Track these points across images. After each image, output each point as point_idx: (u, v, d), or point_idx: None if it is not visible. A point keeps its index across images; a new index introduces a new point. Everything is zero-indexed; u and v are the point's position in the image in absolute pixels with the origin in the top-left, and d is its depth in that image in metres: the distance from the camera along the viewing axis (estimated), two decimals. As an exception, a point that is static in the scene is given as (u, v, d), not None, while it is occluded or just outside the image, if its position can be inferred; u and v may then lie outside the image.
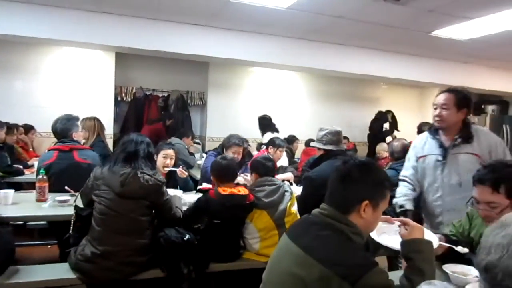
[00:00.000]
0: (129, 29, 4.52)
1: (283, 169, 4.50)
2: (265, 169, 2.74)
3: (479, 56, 5.81)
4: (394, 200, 2.51)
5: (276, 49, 5.22)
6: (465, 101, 2.39)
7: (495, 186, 1.61)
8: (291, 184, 3.97)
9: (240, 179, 3.63)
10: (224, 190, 2.47)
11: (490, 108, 7.65)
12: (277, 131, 5.85)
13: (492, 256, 0.76)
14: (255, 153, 4.80)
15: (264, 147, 4.61)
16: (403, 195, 2.51)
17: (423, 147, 2.54)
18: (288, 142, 6.40)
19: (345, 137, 6.86)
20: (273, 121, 5.88)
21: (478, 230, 1.87)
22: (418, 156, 2.54)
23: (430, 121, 6.20)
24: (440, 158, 2.42)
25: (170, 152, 3.25)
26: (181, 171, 3.34)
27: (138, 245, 2.24)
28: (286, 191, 2.64)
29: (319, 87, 7.42)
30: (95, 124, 3.68)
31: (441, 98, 2.43)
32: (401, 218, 1.52)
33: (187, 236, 2.35)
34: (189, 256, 2.39)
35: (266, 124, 5.92)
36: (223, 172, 2.59)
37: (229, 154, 3.70)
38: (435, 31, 4.50)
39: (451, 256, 1.73)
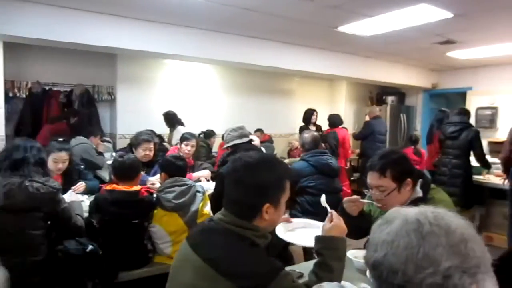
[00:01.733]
0: (20, 16, 3.98)
1: (198, 166, 4.39)
2: (175, 168, 2.62)
3: (379, 51, 6.24)
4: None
5: (189, 41, 5.04)
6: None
7: (382, 171, 1.75)
8: (208, 181, 3.89)
9: (152, 178, 3.45)
10: (110, 186, 2.39)
11: (390, 99, 8.34)
12: (183, 125, 5.79)
13: (378, 254, 0.74)
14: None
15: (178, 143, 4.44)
16: None
17: None
18: (206, 136, 6.31)
19: (260, 129, 6.98)
20: (187, 115, 5.74)
21: (378, 214, 2.00)
22: None
23: (340, 112, 6.52)
24: None
25: (62, 155, 2.90)
26: (76, 189, 3.02)
27: (30, 264, 1.98)
28: (198, 191, 2.55)
29: (234, 80, 7.39)
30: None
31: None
32: (332, 213, 1.50)
33: (90, 246, 2.14)
34: (94, 269, 2.19)
35: (171, 119, 5.80)
36: (121, 171, 2.45)
37: (140, 152, 3.49)
38: (340, 26, 4.71)
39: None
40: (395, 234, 0.74)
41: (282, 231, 1.68)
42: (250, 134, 4.88)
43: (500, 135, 6.53)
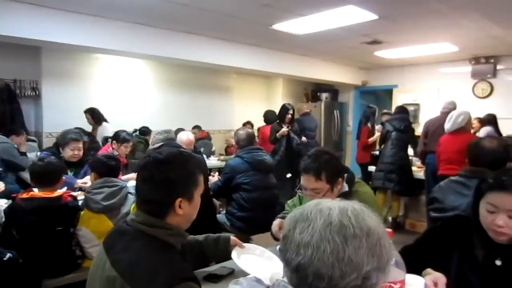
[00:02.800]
0: None
1: (132, 164, 4.25)
2: (107, 169, 2.51)
3: (313, 50, 6.46)
4: None
5: (120, 35, 4.83)
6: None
7: (317, 174, 1.78)
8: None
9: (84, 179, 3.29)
10: (27, 193, 2.23)
11: (324, 95, 8.67)
12: (107, 121, 5.69)
13: (303, 258, 0.73)
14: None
15: (109, 141, 4.26)
16: None
17: None
18: (142, 134, 6.12)
19: (197, 126, 6.93)
20: (120, 112, 5.54)
21: None
22: None
23: (277, 109, 6.68)
24: None
25: None
26: None
27: None
28: (130, 192, 2.47)
29: (170, 76, 7.24)
30: None
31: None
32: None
33: (8, 255, 1.99)
34: (14, 278, 2.04)
35: (96, 116, 5.63)
36: (41, 176, 2.29)
37: (67, 152, 3.29)
38: (274, 25, 4.80)
39: None
40: (319, 237, 0.72)
41: (236, 257, 1.67)
42: (182, 130, 4.86)
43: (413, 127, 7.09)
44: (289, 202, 2.23)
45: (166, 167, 1.21)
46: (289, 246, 0.76)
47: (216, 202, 3.85)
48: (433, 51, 6.08)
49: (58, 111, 5.96)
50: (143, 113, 6.85)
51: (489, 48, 5.92)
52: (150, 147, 3.05)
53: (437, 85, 7.24)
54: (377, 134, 5.86)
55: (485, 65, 6.55)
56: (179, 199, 1.20)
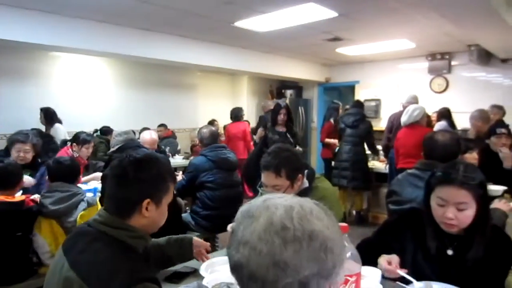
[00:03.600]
0: None
1: (93, 165, 4.12)
2: (61, 172, 2.42)
3: (276, 47, 6.49)
4: None
5: (77, 33, 4.66)
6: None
7: (277, 171, 1.79)
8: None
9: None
10: None
11: (288, 92, 8.76)
12: (61, 123, 5.46)
13: (240, 256, 0.69)
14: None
15: (69, 143, 4.10)
16: None
17: None
18: (104, 133, 5.95)
19: (163, 125, 6.81)
20: (80, 111, 5.33)
21: None
22: None
23: (242, 106, 6.62)
24: None
25: None
26: None
27: None
28: (83, 200, 2.38)
29: (132, 74, 7.06)
30: None
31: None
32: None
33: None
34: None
35: (51, 116, 5.40)
36: (1, 178, 2.17)
37: (13, 154, 3.10)
38: (236, 22, 4.78)
39: None
40: (258, 237, 0.68)
41: (204, 270, 1.64)
42: (147, 129, 4.76)
43: (383, 124, 7.25)
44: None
45: (141, 167, 1.22)
46: (233, 242, 0.73)
47: (181, 201, 3.80)
48: (392, 47, 6.26)
49: (15, 111, 5.68)
50: (104, 113, 6.66)
51: (444, 45, 6.17)
52: (111, 149, 2.95)
53: (397, 81, 7.47)
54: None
55: (441, 61, 6.82)
56: (147, 200, 1.21)
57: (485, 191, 1.42)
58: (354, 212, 5.46)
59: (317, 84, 8.79)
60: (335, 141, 5.69)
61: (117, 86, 6.98)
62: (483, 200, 1.41)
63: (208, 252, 1.76)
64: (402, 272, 1.38)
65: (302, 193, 1.93)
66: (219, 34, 5.56)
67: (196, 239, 1.75)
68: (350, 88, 8.48)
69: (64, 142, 4.61)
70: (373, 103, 7.76)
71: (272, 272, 0.66)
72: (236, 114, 6.26)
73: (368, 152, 5.35)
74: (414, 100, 4.98)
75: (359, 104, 5.47)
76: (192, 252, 1.70)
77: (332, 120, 6.06)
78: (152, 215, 1.23)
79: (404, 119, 4.22)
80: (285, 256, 0.66)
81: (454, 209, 1.40)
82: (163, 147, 5.53)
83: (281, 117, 4.52)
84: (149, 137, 3.90)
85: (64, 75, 6.31)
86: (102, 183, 2.85)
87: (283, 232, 0.68)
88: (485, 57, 6.14)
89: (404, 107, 4.89)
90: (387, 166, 5.08)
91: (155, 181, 1.24)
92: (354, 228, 4.81)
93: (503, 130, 3.42)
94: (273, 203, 0.73)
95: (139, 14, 4.49)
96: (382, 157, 5.44)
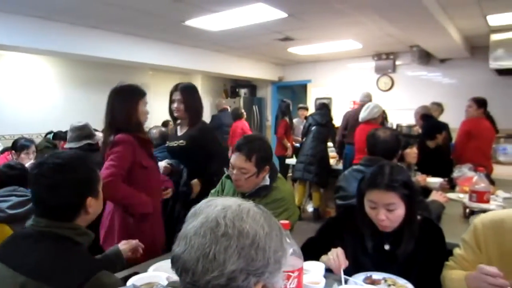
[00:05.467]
0: None
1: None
2: (12, 177, 2.30)
3: (229, 46, 6.49)
4: None
5: (19, 29, 4.41)
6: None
7: (249, 155, 1.84)
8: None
9: None
10: None
11: (242, 91, 8.80)
12: None
13: (178, 249, 0.74)
14: None
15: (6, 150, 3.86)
16: None
17: None
18: (56, 138, 5.63)
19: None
20: (20, 114, 5.03)
21: (228, 191, 2.10)
22: None
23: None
24: None
25: None
26: None
27: None
28: None
29: (79, 74, 6.76)
30: None
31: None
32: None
33: None
34: None
35: None
36: None
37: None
38: (187, 21, 4.73)
39: None
40: (194, 232, 0.74)
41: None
42: (97, 130, 4.57)
43: (335, 122, 7.51)
44: (212, 191, 2.24)
45: (72, 170, 1.21)
46: (177, 238, 0.78)
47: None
48: (341, 48, 6.47)
49: None
50: (48, 115, 6.31)
51: (388, 46, 6.47)
52: (67, 145, 2.78)
53: (346, 80, 7.74)
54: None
55: (386, 61, 7.15)
56: (89, 198, 1.24)
57: (410, 191, 1.52)
58: (311, 208, 5.58)
59: (270, 83, 8.89)
60: (289, 144, 6.04)
61: (62, 86, 6.65)
62: (409, 198, 1.51)
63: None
64: (346, 277, 1.43)
65: (263, 189, 1.96)
66: (171, 33, 5.47)
67: (122, 245, 1.73)
68: (303, 87, 8.66)
69: (2, 151, 4.34)
70: (324, 102, 7.95)
71: (201, 264, 0.71)
72: (236, 113, 6.45)
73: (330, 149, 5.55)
74: (368, 97, 5.18)
75: (325, 106, 5.68)
76: (123, 260, 1.69)
77: (286, 118, 6.17)
78: (94, 208, 1.27)
79: (363, 115, 4.39)
80: (214, 250, 0.71)
81: (385, 210, 1.49)
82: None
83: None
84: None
85: (3, 75, 5.93)
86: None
87: (216, 228, 0.73)
88: (425, 58, 6.51)
89: (359, 105, 5.09)
90: (340, 162, 5.27)
91: (90, 178, 1.27)
92: (311, 224, 4.93)
93: None
94: (214, 203, 0.80)
95: (85, 11, 4.33)
96: (333, 154, 5.60)
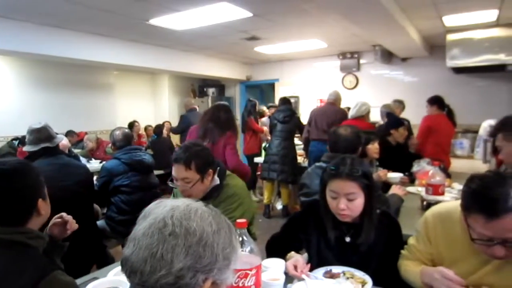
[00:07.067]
0: None
1: None
2: None
3: (195, 46, 6.44)
4: None
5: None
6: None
7: (187, 163, 1.83)
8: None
9: None
10: None
11: (210, 90, 8.76)
12: None
13: (127, 251, 0.75)
14: None
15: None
16: None
17: None
18: (21, 143, 5.40)
19: (71, 132, 6.34)
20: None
21: None
22: None
23: (163, 106, 6.46)
24: None
25: None
26: None
27: None
28: None
29: (38, 75, 6.53)
30: None
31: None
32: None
33: None
34: None
35: None
36: None
37: None
38: (151, 19, 4.66)
39: None
40: (142, 233, 0.74)
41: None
42: (57, 134, 4.42)
43: (302, 120, 7.61)
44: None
45: (21, 175, 1.23)
46: (127, 241, 0.78)
47: (97, 208, 3.62)
48: (306, 47, 6.57)
49: None
50: (6, 118, 6.06)
51: (352, 45, 6.62)
52: (25, 148, 2.65)
53: (313, 78, 7.86)
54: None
55: (351, 60, 7.32)
56: (39, 200, 1.26)
57: (370, 181, 1.58)
58: (281, 206, 5.61)
59: (238, 82, 8.90)
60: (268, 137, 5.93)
61: (21, 88, 6.40)
62: (369, 189, 1.57)
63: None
64: (306, 277, 1.45)
65: (214, 190, 1.97)
66: (135, 32, 5.37)
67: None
68: (271, 86, 8.72)
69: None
70: (292, 100, 8.05)
71: (149, 264, 0.71)
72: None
73: (297, 146, 5.57)
74: (337, 95, 5.25)
75: (287, 101, 5.65)
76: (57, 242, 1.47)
77: (252, 117, 6.19)
78: (45, 210, 1.30)
79: (352, 112, 4.49)
80: (162, 249, 0.71)
81: (345, 200, 1.54)
82: (74, 151, 5.09)
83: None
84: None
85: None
86: None
87: (163, 228, 0.74)
88: (387, 56, 6.72)
89: (326, 104, 5.17)
90: (306, 159, 5.33)
91: (38, 181, 1.30)
92: (280, 222, 4.95)
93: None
94: (163, 204, 0.81)
95: (45, 10, 4.18)
96: (301, 151, 5.66)
